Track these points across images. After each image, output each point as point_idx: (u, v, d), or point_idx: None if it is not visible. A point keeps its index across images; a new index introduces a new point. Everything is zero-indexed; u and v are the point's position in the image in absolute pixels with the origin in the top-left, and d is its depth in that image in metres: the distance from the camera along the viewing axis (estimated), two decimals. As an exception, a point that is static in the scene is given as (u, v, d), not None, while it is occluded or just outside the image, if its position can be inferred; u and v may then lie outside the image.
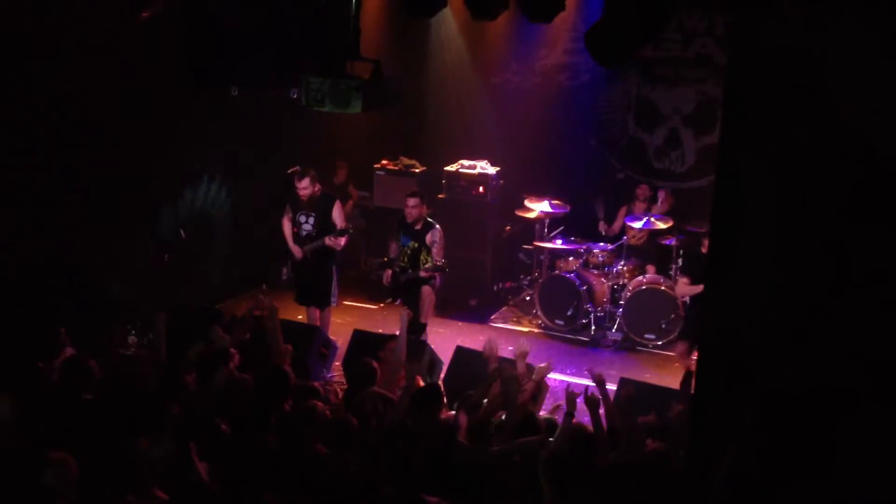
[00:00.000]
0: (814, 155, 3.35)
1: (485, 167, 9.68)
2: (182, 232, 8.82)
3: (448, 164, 9.75)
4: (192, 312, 7.23)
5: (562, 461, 4.63)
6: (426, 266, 7.85)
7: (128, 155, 7.75)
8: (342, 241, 8.00)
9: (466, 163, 9.71)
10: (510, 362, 6.31)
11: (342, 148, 10.29)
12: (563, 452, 4.74)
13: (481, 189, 9.58)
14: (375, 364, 5.97)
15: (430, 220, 8.08)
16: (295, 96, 7.52)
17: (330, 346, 7.52)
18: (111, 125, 7.55)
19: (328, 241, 7.90)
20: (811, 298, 3.39)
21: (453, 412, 5.66)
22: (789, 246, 3.45)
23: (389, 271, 8.10)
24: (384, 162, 10.17)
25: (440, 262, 7.77)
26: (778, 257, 3.47)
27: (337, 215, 8.00)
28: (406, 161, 10.12)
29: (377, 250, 9.90)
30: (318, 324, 7.99)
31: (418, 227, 7.98)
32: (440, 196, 9.74)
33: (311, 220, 8.01)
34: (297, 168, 9.10)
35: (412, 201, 7.97)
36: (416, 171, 10.08)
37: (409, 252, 8.01)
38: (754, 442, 3.47)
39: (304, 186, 7.90)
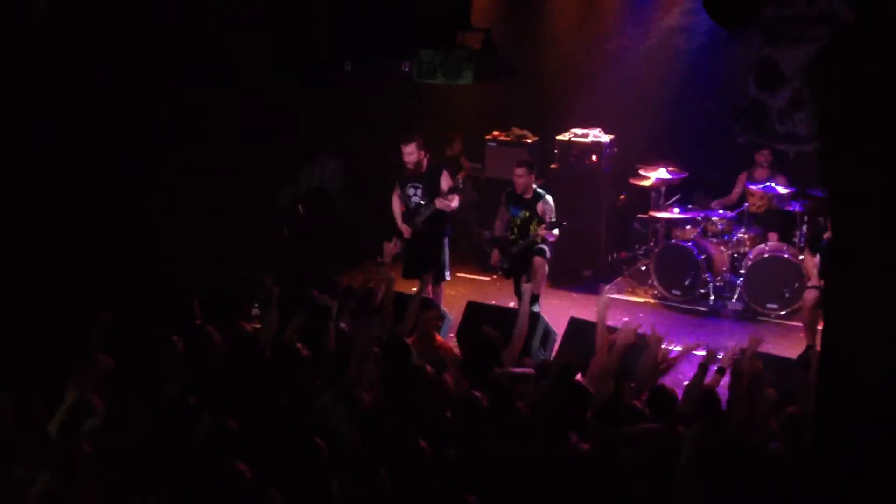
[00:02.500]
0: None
1: (598, 135, 9.51)
2: (300, 207, 9.04)
3: (560, 134, 9.62)
4: (309, 284, 7.40)
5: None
6: (544, 225, 7.73)
7: (248, 134, 7.97)
8: (454, 202, 7.89)
9: (579, 131, 9.56)
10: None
11: (455, 120, 10.30)
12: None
13: (594, 158, 9.41)
14: (498, 337, 5.94)
15: (541, 189, 8.00)
16: (407, 70, 7.56)
17: (444, 318, 7.57)
18: (232, 106, 7.78)
19: (439, 203, 7.84)
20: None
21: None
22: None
23: (496, 251, 8.06)
24: (496, 133, 10.13)
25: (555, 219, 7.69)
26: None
27: (445, 183, 7.91)
28: (518, 131, 10.06)
29: (489, 222, 9.90)
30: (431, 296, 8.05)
31: (528, 196, 7.91)
32: (552, 166, 9.63)
33: (420, 191, 7.98)
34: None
35: (520, 170, 7.90)
36: (528, 141, 10.01)
37: (518, 223, 7.97)
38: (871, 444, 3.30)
39: (410, 152, 7.84)
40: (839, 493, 3.45)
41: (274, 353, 5.56)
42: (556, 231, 7.80)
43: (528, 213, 7.92)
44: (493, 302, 8.13)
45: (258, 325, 6.54)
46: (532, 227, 7.90)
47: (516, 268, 7.98)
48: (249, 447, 4.29)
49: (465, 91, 9.87)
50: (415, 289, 6.92)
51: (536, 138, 10.04)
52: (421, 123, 9.68)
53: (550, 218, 7.80)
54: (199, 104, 7.52)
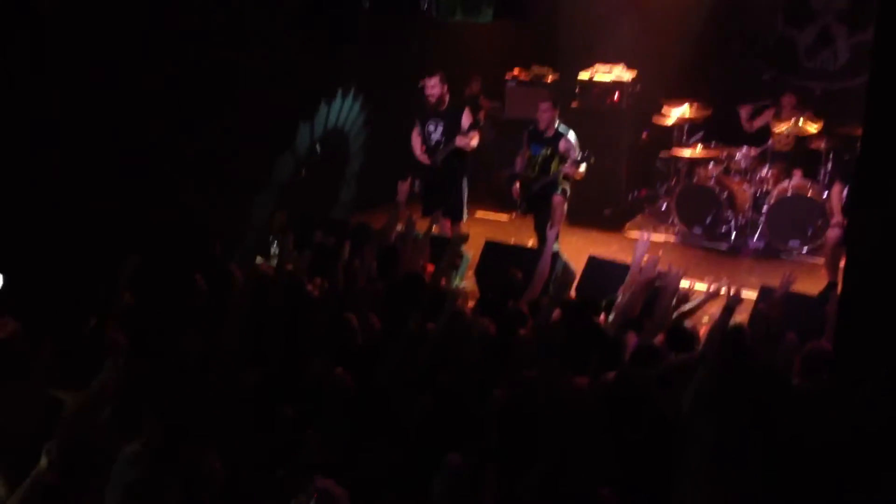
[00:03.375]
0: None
1: (620, 73, 9.34)
2: (318, 147, 9.00)
3: (582, 70, 9.45)
4: (322, 224, 7.41)
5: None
6: (569, 162, 7.62)
7: (266, 74, 7.90)
8: (474, 140, 7.79)
9: (602, 68, 9.37)
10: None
11: (474, 59, 10.15)
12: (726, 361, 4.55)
13: (616, 97, 9.27)
14: (520, 274, 5.93)
15: (563, 126, 7.90)
16: (426, 7, 7.45)
17: (462, 257, 7.56)
18: (252, 46, 7.71)
19: (459, 140, 7.73)
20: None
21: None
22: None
23: (518, 183, 8.01)
24: (515, 72, 9.98)
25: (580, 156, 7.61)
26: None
27: (466, 122, 7.81)
28: (538, 70, 9.91)
29: (508, 162, 9.83)
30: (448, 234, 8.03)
31: (550, 133, 7.81)
32: (573, 105, 9.50)
33: (441, 127, 7.86)
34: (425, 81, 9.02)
35: (545, 105, 7.78)
36: (548, 80, 9.86)
37: (540, 160, 7.88)
38: None
39: (433, 85, 7.72)
40: (859, 427, 3.44)
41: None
42: (582, 168, 7.68)
43: (549, 151, 7.83)
44: (512, 241, 8.09)
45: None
46: (553, 165, 7.81)
47: (535, 205, 7.93)
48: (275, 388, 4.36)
49: (485, 29, 9.74)
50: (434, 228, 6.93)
51: (557, 76, 9.89)
52: (439, 62, 9.56)
53: (574, 156, 7.69)
54: (216, 44, 7.46)
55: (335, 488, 3.35)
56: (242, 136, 7.83)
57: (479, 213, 9.27)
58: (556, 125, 7.83)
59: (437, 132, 7.88)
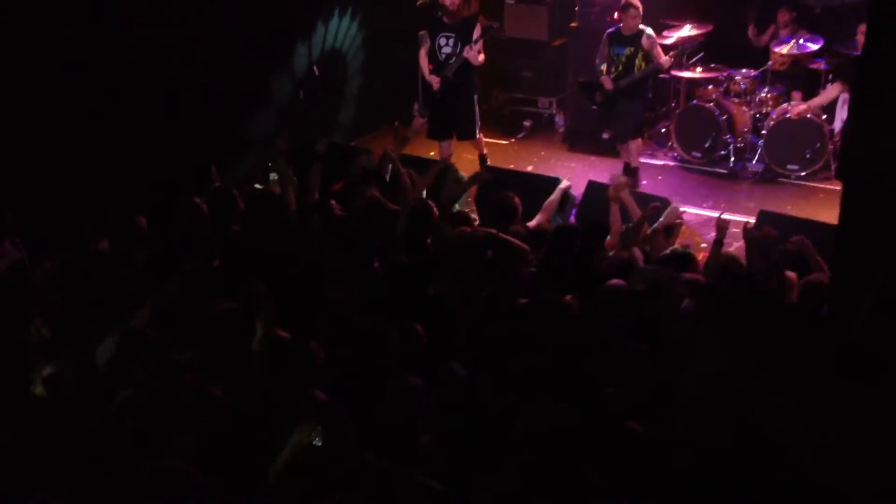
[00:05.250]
0: None
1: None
2: (315, 68, 8.90)
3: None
4: (328, 148, 7.38)
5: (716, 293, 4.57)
6: (669, 55, 8.12)
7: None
8: (481, 56, 7.92)
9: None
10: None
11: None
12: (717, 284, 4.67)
13: (616, 15, 9.12)
14: (518, 201, 5.98)
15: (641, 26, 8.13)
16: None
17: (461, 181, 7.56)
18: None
19: (468, 52, 7.81)
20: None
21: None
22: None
23: (607, 77, 8.25)
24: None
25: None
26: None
27: (477, 36, 7.89)
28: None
29: (511, 83, 9.75)
30: (451, 158, 8.04)
31: (630, 34, 8.10)
32: (572, 25, 9.37)
33: (452, 41, 7.95)
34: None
35: (634, 10, 8.05)
36: (548, -3, 9.68)
37: (623, 60, 8.15)
38: None
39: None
40: (856, 344, 3.52)
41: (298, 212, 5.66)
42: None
43: (633, 50, 8.11)
44: (512, 166, 8.09)
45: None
46: (638, 62, 8.13)
47: (613, 108, 8.27)
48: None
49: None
50: (433, 153, 6.92)
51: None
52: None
53: (658, 51, 8.10)
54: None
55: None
56: (238, 56, 7.75)
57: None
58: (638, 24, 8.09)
59: (448, 45, 7.97)
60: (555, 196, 6.42)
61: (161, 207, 5.77)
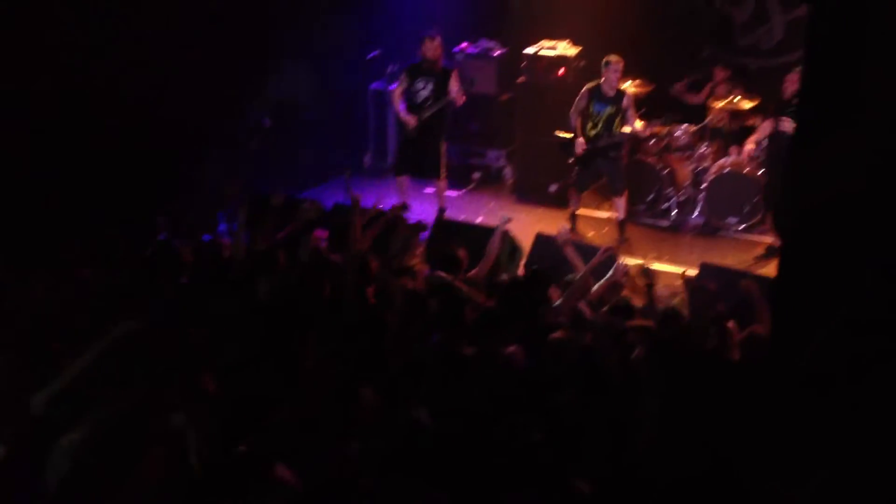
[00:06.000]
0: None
1: (566, 48, 9.47)
2: (266, 119, 8.94)
3: (528, 46, 9.55)
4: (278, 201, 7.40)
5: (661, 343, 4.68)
6: (634, 127, 8.19)
7: (215, 40, 7.80)
8: (462, 99, 8.42)
9: (547, 43, 9.50)
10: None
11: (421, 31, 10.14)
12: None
13: (561, 71, 9.39)
14: (463, 253, 6.05)
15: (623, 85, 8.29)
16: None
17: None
18: (198, 11, 7.62)
19: (452, 93, 8.32)
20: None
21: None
22: (885, 114, 3.31)
23: (581, 139, 8.35)
24: (463, 45, 10.03)
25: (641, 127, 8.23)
26: (873, 123, 3.34)
27: (455, 82, 8.40)
28: (486, 43, 9.97)
29: (461, 136, 9.91)
30: (405, 195, 8.26)
31: (612, 93, 8.19)
32: (520, 80, 9.61)
33: (430, 85, 8.39)
34: (378, 53, 9.14)
35: (619, 66, 8.18)
36: (496, 53, 9.93)
37: (604, 118, 8.26)
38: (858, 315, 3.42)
39: (437, 46, 8.39)
40: (799, 396, 3.62)
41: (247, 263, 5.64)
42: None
43: (614, 109, 8.19)
44: (462, 217, 8.20)
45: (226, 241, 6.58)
46: (616, 123, 8.24)
47: (596, 163, 8.33)
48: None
49: (433, 0, 9.75)
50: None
51: (504, 50, 9.97)
52: (389, 34, 9.58)
53: (633, 113, 8.22)
54: (154, 18, 7.35)
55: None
56: (190, 107, 7.75)
57: (431, 189, 9.33)
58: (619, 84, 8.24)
59: (426, 89, 8.41)
60: (495, 238, 6.46)
61: (106, 258, 5.71)
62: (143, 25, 7.24)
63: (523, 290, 5.57)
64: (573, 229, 8.38)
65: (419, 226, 6.69)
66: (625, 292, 5.98)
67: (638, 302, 5.76)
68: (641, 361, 4.61)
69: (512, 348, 4.63)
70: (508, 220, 6.69)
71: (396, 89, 8.57)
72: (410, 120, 8.42)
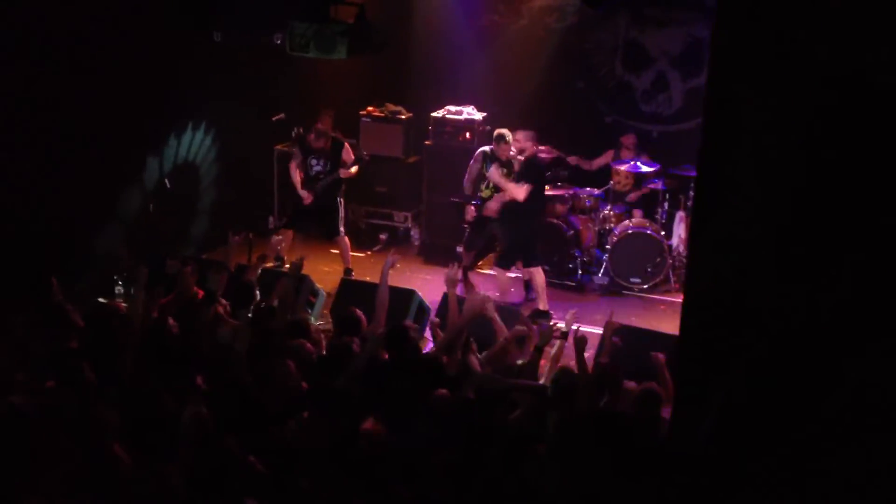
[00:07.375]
0: (804, 93, 3.31)
1: (471, 112, 9.61)
2: (166, 182, 8.75)
3: (434, 110, 9.66)
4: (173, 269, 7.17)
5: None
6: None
7: (110, 103, 7.62)
8: (354, 169, 8.68)
9: (453, 108, 9.64)
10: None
11: (327, 94, 10.14)
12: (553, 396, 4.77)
13: (468, 135, 9.51)
14: (361, 314, 5.93)
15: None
16: (279, 42, 7.44)
17: (317, 294, 7.52)
18: (96, 72, 7.44)
19: (343, 173, 8.62)
20: (805, 236, 3.35)
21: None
22: (780, 181, 3.40)
23: (472, 206, 8.46)
24: (370, 109, 10.07)
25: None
26: (769, 193, 3.44)
27: (346, 155, 8.69)
28: (392, 107, 10.03)
29: (368, 197, 9.87)
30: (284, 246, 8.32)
31: (504, 157, 8.33)
32: (427, 143, 9.67)
33: (322, 161, 8.65)
34: (283, 115, 9.09)
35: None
36: (403, 117, 10.00)
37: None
38: (748, 383, 3.48)
39: (326, 129, 8.66)
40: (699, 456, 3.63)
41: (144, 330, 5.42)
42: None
43: (506, 172, 8.29)
44: (368, 278, 8.10)
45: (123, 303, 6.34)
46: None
47: (485, 227, 8.46)
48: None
49: (339, 65, 9.74)
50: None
51: (411, 114, 10.04)
52: (292, 96, 9.54)
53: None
54: (58, 69, 7.16)
55: None
56: (86, 169, 7.53)
57: (336, 250, 9.21)
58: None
59: (319, 164, 8.69)
60: (383, 286, 6.28)
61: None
62: (39, 90, 7.03)
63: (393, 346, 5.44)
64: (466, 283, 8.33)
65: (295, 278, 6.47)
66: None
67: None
68: (522, 420, 4.65)
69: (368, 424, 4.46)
70: (396, 262, 6.48)
71: (292, 164, 8.86)
72: (305, 196, 8.69)
